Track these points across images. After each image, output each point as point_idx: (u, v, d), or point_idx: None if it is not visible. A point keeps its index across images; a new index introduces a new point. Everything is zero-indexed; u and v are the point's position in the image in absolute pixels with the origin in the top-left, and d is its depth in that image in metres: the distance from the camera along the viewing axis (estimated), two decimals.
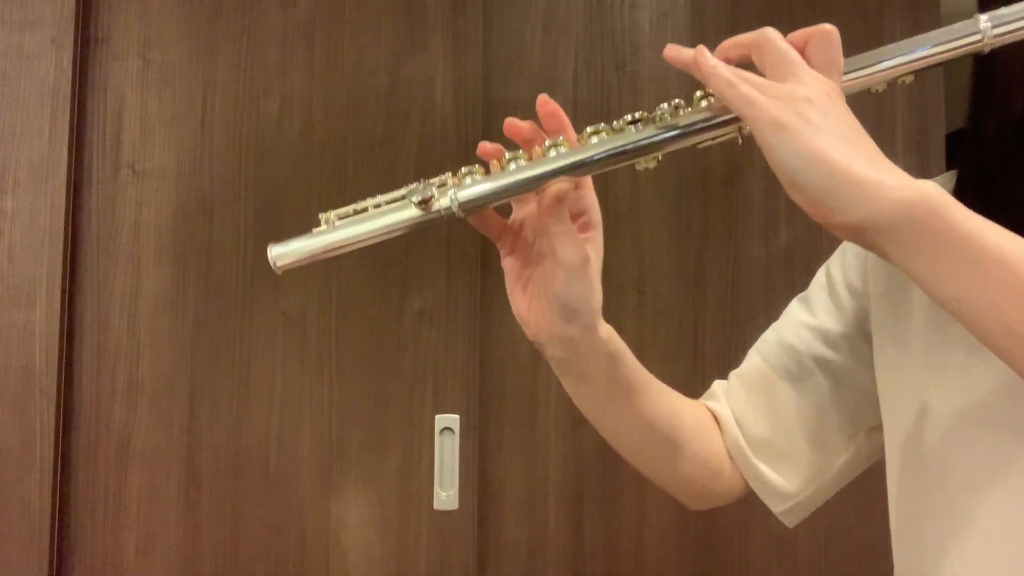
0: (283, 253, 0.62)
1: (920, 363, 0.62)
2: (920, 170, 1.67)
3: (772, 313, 1.80)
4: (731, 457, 0.73)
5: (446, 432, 1.58)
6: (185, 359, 1.58)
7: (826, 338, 0.72)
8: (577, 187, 0.59)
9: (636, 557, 1.61)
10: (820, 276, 0.76)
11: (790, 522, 0.74)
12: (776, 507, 0.73)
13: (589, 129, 0.57)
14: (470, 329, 1.60)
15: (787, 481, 0.71)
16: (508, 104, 1.66)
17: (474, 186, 0.57)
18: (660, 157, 0.57)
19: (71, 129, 1.55)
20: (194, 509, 1.55)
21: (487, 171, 0.58)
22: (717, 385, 0.78)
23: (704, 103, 0.56)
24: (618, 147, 0.56)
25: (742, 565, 1.62)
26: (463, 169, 0.58)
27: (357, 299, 1.61)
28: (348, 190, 1.62)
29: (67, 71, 1.55)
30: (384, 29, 1.65)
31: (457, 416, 1.59)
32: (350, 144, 1.63)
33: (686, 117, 0.56)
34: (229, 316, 1.59)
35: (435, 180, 0.58)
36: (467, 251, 1.61)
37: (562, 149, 0.57)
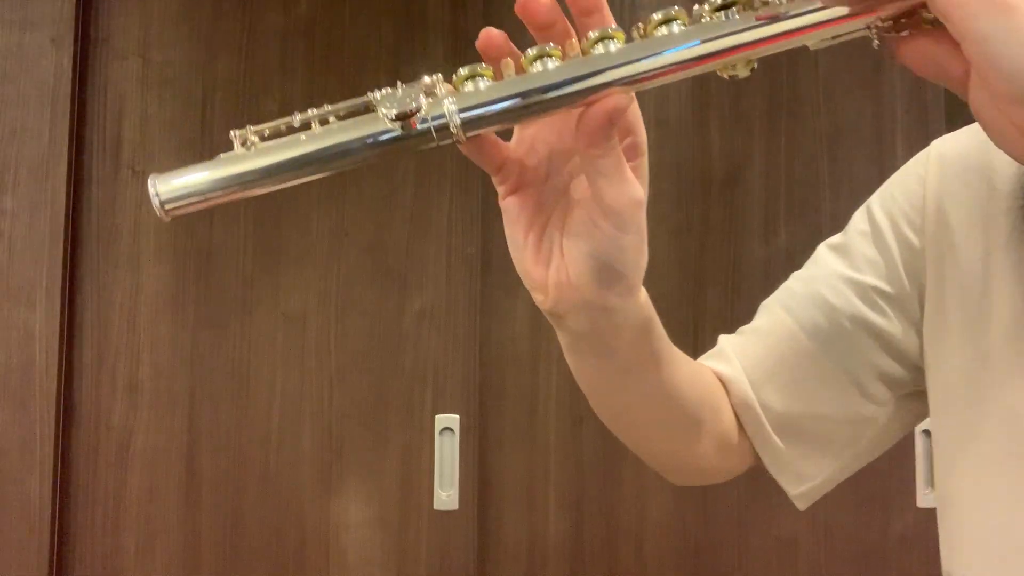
0: (174, 192, 0.38)
1: (1002, 353, 0.52)
2: None
3: None
4: (742, 429, 0.62)
5: (446, 432, 1.58)
6: (185, 359, 1.57)
7: (868, 295, 0.60)
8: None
9: (636, 557, 1.61)
10: (860, 222, 0.63)
11: (803, 505, 0.63)
12: (792, 489, 0.62)
13: (657, 16, 0.40)
14: (470, 329, 1.60)
15: (808, 459, 0.61)
16: None
17: (485, 97, 0.38)
18: (756, 64, 0.41)
19: (71, 129, 1.55)
20: (194, 509, 1.55)
21: (497, 75, 0.40)
22: (725, 342, 0.66)
23: None
24: (705, 44, 0.39)
25: (742, 565, 1.61)
26: (462, 71, 0.40)
27: (357, 299, 1.61)
28: (348, 190, 1.62)
29: (67, 71, 1.55)
30: (384, 29, 1.65)
31: (457, 416, 1.59)
32: None
33: (809, 5, 0.39)
34: (229, 316, 1.59)
35: (418, 84, 0.40)
36: (467, 251, 1.61)
37: (615, 45, 0.39)
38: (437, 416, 1.59)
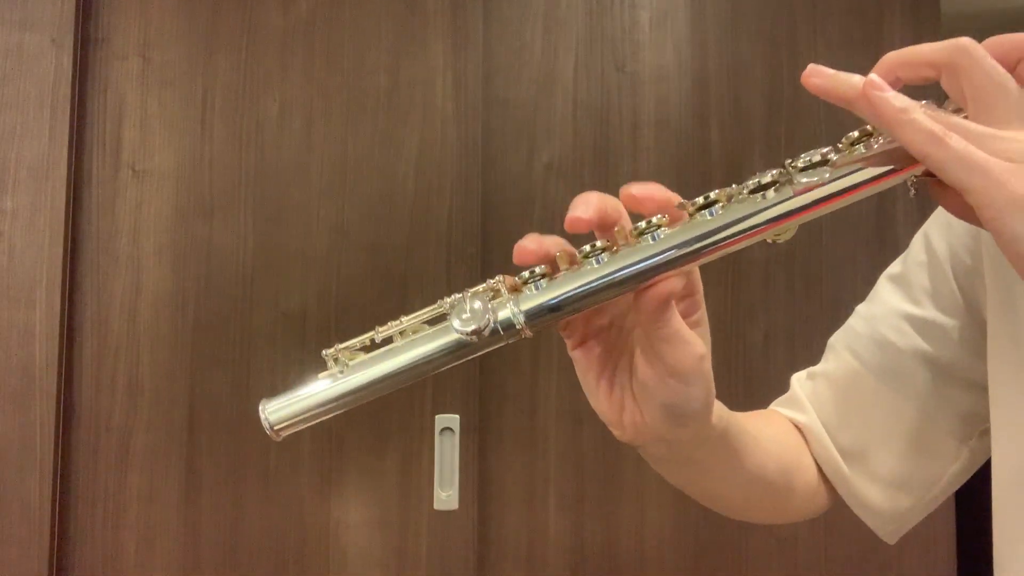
0: (282, 416, 0.44)
1: None
2: None
3: (772, 313, 1.80)
4: (824, 476, 0.64)
5: (446, 432, 1.58)
6: (185, 359, 1.58)
7: (930, 330, 0.59)
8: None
9: (636, 557, 1.61)
10: (917, 251, 0.62)
11: (892, 540, 0.65)
12: (879, 528, 0.64)
13: (699, 200, 0.43)
14: None
15: (892, 500, 0.62)
16: (508, 104, 1.66)
17: (544, 298, 0.42)
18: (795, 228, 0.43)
19: (71, 129, 1.55)
20: (194, 509, 1.55)
21: (553, 270, 0.43)
22: (797, 386, 0.67)
23: (861, 148, 0.42)
24: (747, 222, 0.41)
25: (742, 565, 1.61)
26: (524, 274, 0.43)
27: (357, 299, 1.61)
28: (348, 190, 1.62)
29: (67, 71, 1.55)
30: (384, 29, 1.65)
31: (457, 416, 1.59)
32: (350, 144, 1.63)
33: (841, 171, 0.41)
34: (229, 316, 1.59)
35: (482, 289, 0.44)
36: (467, 251, 1.61)
37: (663, 232, 0.42)
38: (437, 416, 1.59)
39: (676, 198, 0.44)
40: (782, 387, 0.71)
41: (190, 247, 1.59)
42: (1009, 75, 0.38)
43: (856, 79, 0.40)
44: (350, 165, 1.63)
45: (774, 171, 0.42)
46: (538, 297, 0.42)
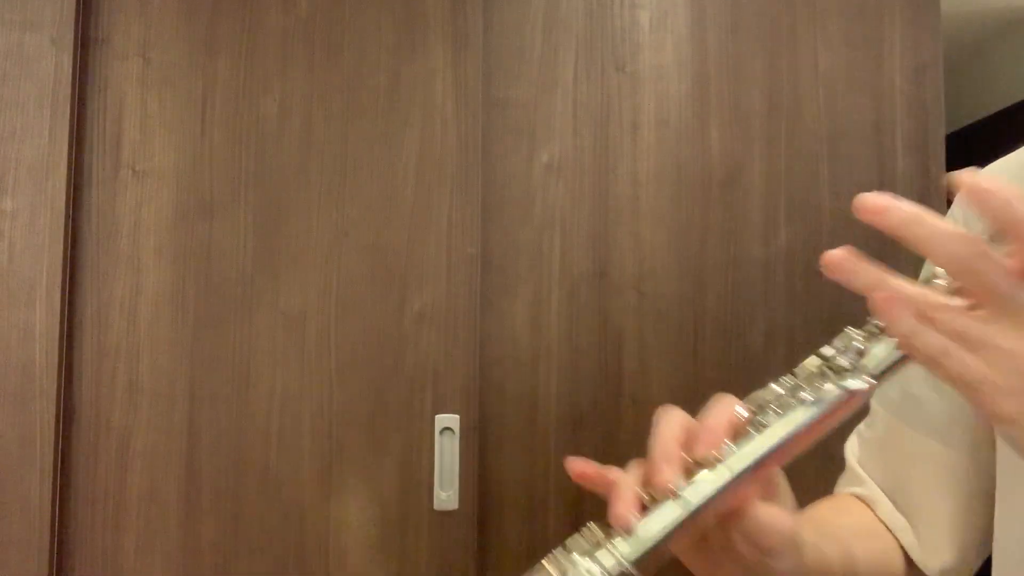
0: None
1: None
2: (920, 170, 1.68)
3: (772, 313, 1.80)
4: (895, 537, 0.65)
5: (446, 432, 1.58)
6: (185, 359, 1.58)
7: None
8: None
9: None
10: None
11: None
12: None
13: (758, 420, 0.47)
14: (470, 329, 1.60)
15: (960, 555, 0.63)
16: (508, 104, 1.66)
17: (642, 543, 0.47)
18: None
19: (71, 129, 1.55)
20: (194, 509, 1.55)
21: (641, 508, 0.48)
22: (852, 458, 0.69)
23: (886, 341, 0.45)
24: (805, 430, 0.45)
25: None
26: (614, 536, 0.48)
27: (357, 299, 1.61)
28: (348, 190, 1.62)
29: (67, 71, 1.55)
30: (384, 29, 1.65)
31: (457, 416, 1.59)
32: (350, 144, 1.63)
33: (877, 358, 0.45)
34: (229, 316, 1.59)
35: (580, 542, 0.49)
36: (467, 251, 1.61)
37: (732, 456, 0.46)
38: (437, 416, 1.59)
39: (734, 418, 0.47)
40: None
41: (190, 247, 1.59)
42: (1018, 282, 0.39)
43: (874, 278, 0.42)
44: (350, 165, 1.63)
45: (820, 366, 0.45)
46: (636, 544, 0.46)
